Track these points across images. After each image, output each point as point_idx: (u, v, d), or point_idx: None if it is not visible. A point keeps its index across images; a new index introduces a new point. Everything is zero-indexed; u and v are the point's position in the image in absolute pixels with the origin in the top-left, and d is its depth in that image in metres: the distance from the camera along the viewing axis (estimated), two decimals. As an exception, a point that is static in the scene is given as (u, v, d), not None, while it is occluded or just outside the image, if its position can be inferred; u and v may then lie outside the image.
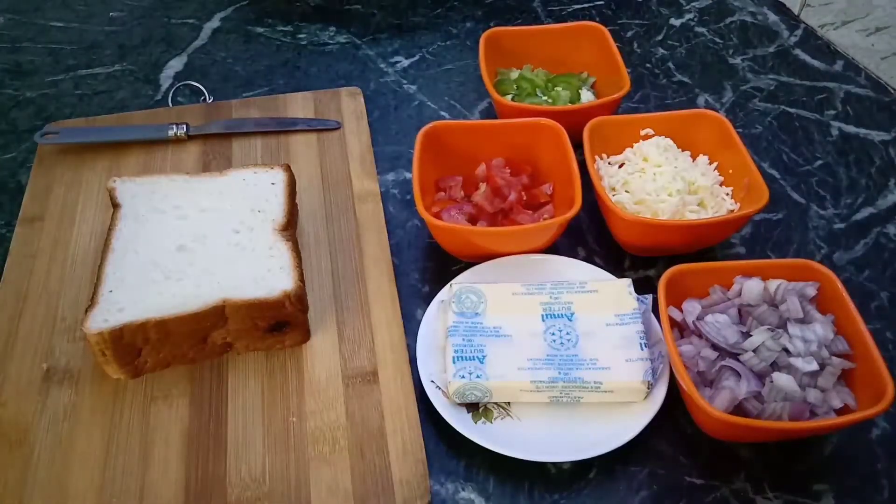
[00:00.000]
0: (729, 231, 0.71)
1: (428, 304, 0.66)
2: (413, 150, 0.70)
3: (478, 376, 0.58)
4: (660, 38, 0.97)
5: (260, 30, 0.97)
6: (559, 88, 0.82)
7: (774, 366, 0.57)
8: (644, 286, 0.69)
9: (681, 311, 0.62)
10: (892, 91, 0.90)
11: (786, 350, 0.58)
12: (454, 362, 0.59)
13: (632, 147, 0.74)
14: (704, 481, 0.58)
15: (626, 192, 0.71)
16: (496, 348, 0.60)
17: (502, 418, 0.60)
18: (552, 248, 0.70)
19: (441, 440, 0.60)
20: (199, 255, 0.63)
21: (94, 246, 0.70)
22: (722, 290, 0.63)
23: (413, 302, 0.68)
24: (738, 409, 0.56)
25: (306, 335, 0.64)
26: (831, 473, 0.59)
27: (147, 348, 0.59)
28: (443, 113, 0.87)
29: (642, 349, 0.60)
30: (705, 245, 0.72)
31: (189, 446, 0.58)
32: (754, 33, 0.98)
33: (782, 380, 0.56)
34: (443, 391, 0.60)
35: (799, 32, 0.97)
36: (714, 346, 0.59)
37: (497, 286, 0.64)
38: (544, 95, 0.82)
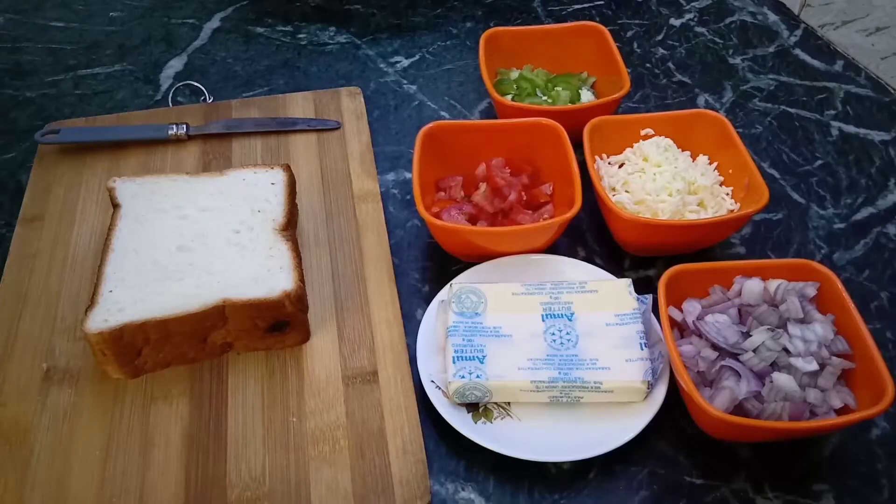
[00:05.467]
0: (729, 231, 0.71)
1: (428, 304, 0.66)
2: (413, 150, 0.70)
3: (478, 376, 0.58)
4: (660, 38, 0.97)
5: (260, 30, 0.97)
6: (559, 88, 0.82)
7: (774, 366, 0.57)
8: (644, 286, 0.69)
9: (681, 311, 0.62)
10: (892, 91, 0.90)
11: (786, 350, 0.58)
12: (454, 362, 0.59)
13: (632, 147, 0.74)
14: (704, 481, 0.58)
15: (626, 192, 0.71)
16: (496, 348, 0.60)
17: (502, 418, 0.60)
18: (552, 248, 0.70)
19: (441, 440, 0.60)
20: (199, 255, 0.63)
21: (94, 246, 0.70)
22: (722, 290, 0.63)
23: (413, 302, 0.68)
24: (738, 409, 0.56)
25: (306, 335, 0.64)
26: (831, 473, 0.59)
27: (147, 348, 0.59)
28: (443, 113, 0.87)
29: (642, 349, 0.60)
30: (705, 245, 0.72)
31: (189, 446, 0.58)
32: (754, 33, 0.97)
33: (782, 380, 0.56)
34: (443, 391, 0.60)
35: (799, 32, 0.97)
36: (714, 346, 0.59)
37: (497, 286, 0.64)
38: (544, 95, 0.82)
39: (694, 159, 0.74)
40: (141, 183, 0.69)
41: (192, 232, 0.65)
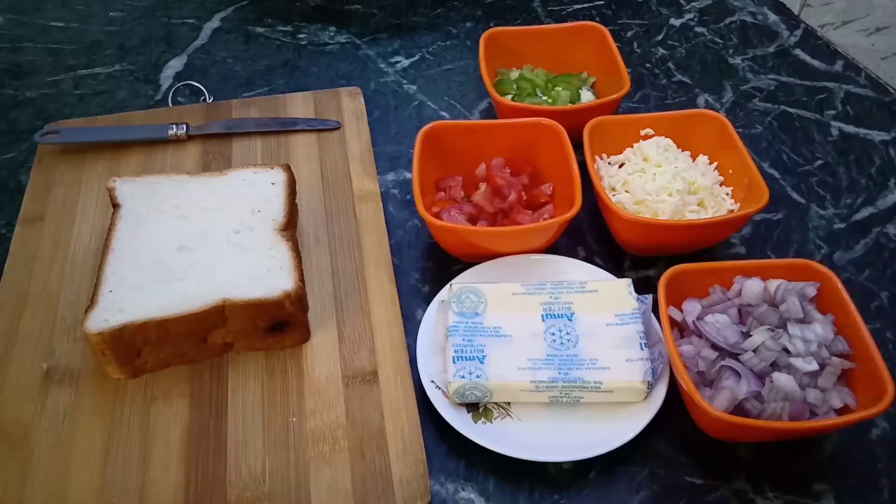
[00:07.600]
0: (729, 231, 0.71)
1: (428, 304, 0.66)
2: (413, 150, 0.70)
3: (478, 376, 0.58)
4: (660, 38, 0.97)
5: (260, 30, 0.97)
6: (559, 88, 0.82)
7: (774, 366, 0.57)
8: (644, 286, 0.69)
9: (681, 311, 0.62)
10: (892, 91, 0.90)
11: (786, 350, 0.58)
12: (454, 362, 0.59)
13: (632, 147, 0.74)
14: (704, 481, 0.58)
15: (626, 192, 0.71)
16: (496, 348, 0.60)
17: (502, 418, 0.60)
18: (552, 248, 0.70)
19: (441, 440, 0.60)
20: (199, 255, 0.63)
21: (94, 246, 0.70)
22: (722, 290, 0.63)
23: (413, 302, 0.68)
24: (738, 409, 0.56)
25: (306, 335, 0.64)
26: (831, 473, 0.59)
27: (147, 348, 0.59)
28: (443, 113, 0.87)
29: (642, 349, 0.60)
30: (705, 245, 0.72)
31: (189, 446, 0.58)
32: (754, 33, 0.98)
33: (782, 380, 0.56)
34: (443, 391, 0.60)
35: (799, 32, 0.97)
36: (714, 346, 0.59)
37: (497, 286, 0.64)
38: (544, 95, 0.82)
39: (694, 159, 0.74)
40: (141, 183, 0.69)
41: (192, 232, 0.65)
